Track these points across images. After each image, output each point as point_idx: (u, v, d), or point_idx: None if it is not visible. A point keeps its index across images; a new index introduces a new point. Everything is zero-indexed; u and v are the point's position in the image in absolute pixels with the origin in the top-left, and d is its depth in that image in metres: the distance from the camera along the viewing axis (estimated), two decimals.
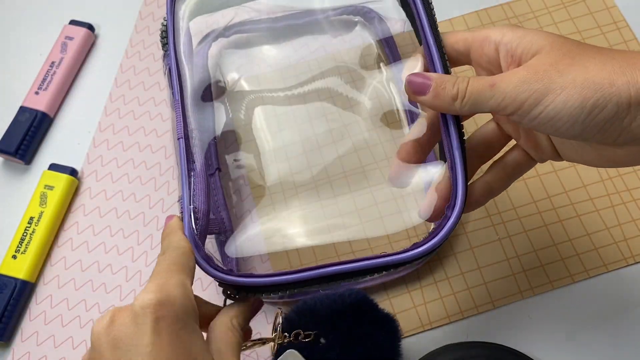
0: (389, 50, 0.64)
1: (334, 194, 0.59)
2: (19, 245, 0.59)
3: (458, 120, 0.43)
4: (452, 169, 0.43)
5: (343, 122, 0.62)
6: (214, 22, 0.64)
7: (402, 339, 0.52)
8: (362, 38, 0.65)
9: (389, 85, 0.63)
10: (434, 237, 0.42)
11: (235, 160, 0.61)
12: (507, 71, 0.41)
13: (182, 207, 0.45)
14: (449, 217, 0.42)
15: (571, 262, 0.57)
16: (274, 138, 0.61)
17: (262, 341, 0.47)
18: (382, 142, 0.59)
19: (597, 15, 0.67)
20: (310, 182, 0.59)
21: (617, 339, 0.54)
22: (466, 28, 0.67)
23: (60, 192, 0.61)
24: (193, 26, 0.58)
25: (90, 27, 0.70)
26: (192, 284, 0.40)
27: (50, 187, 0.61)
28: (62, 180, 0.61)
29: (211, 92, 0.63)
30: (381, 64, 0.64)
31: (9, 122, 0.65)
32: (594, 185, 0.59)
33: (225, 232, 0.57)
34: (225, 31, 0.65)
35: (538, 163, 0.46)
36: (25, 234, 0.59)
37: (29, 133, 0.64)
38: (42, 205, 0.60)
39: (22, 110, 0.65)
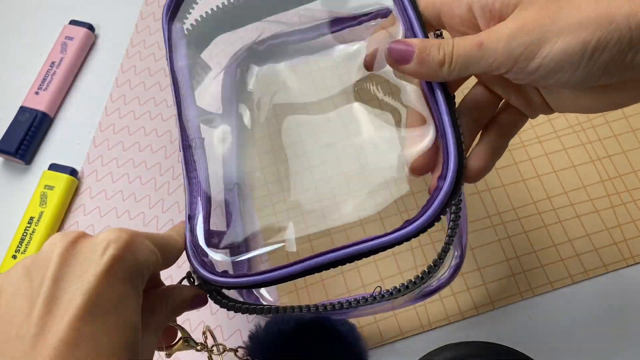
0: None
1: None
2: (19, 245, 0.59)
3: (444, 84, 0.41)
4: (443, 137, 0.40)
5: (375, 129, 0.58)
6: (243, 38, 0.63)
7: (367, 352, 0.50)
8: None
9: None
10: (425, 212, 0.39)
11: (256, 172, 0.60)
12: (488, 28, 0.38)
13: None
14: (441, 188, 0.38)
15: (571, 262, 0.56)
16: (304, 150, 0.60)
17: (187, 343, 0.45)
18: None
19: None
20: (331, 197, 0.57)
21: (617, 339, 0.54)
22: None
23: (60, 192, 0.61)
24: (220, 42, 0.59)
25: (90, 27, 0.70)
26: (162, 265, 0.39)
27: (50, 187, 0.61)
28: (62, 180, 0.61)
29: (237, 106, 0.62)
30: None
31: (9, 122, 0.64)
32: (593, 185, 0.59)
33: (239, 246, 0.56)
34: (258, 45, 0.63)
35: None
36: (25, 234, 0.59)
37: (29, 133, 0.64)
38: (42, 205, 0.60)
39: (22, 110, 0.65)
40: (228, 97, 0.62)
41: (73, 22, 0.70)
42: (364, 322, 0.55)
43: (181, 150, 0.48)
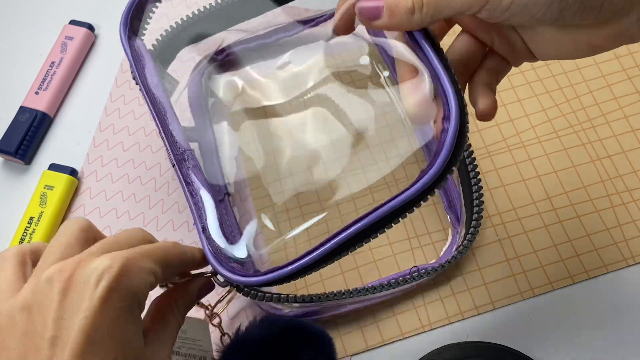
0: (384, 53, 0.62)
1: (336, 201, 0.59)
2: None
3: (426, 32, 0.40)
4: (437, 80, 0.39)
5: (345, 125, 0.61)
6: (205, 49, 0.63)
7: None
8: (354, 40, 0.64)
9: (388, 86, 0.62)
10: (437, 157, 0.37)
11: (240, 179, 0.60)
12: None
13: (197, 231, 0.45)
14: (447, 129, 0.37)
15: (571, 263, 0.56)
16: (276, 152, 0.60)
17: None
18: (382, 143, 0.58)
19: None
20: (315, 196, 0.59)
21: (617, 339, 0.53)
22: None
23: (60, 192, 0.60)
24: (184, 55, 0.58)
25: (90, 27, 0.69)
26: (163, 279, 0.39)
27: (50, 187, 0.60)
28: (62, 180, 0.60)
29: (209, 116, 0.62)
30: (378, 65, 0.62)
31: (9, 122, 0.64)
32: (594, 186, 0.58)
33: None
34: (217, 55, 0.64)
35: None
36: (25, 234, 0.59)
37: (29, 133, 0.63)
38: (42, 205, 0.59)
39: (22, 110, 0.64)
40: (197, 110, 0.62)
41: (73, 22, 0.69)
42: (364, 323, 0.54)
43: (175, 164, 0.47)
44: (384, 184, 0.56)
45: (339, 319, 0.54)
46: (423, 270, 0.51)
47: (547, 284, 0.55)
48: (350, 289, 0.49)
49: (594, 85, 0.63)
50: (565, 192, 0.58)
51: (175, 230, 0.59)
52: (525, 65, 0.62)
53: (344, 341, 0.54)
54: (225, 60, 0.64)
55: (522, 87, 0.63)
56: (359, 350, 0.53)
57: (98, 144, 0.64)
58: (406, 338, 0.54)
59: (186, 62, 0.64)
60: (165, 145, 0.49)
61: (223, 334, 0.48)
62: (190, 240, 0.59)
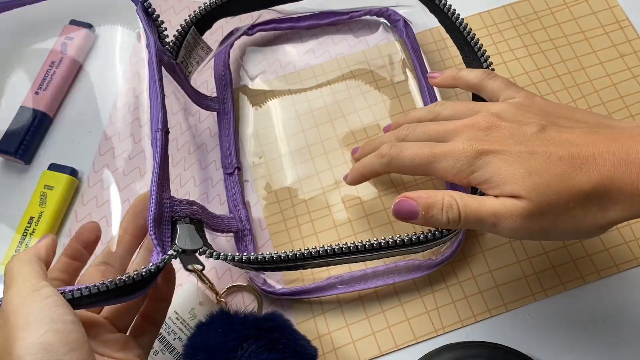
0: (414, 54, 0.62)
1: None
2: (19, 245, 0.57)
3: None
4: None
5: (362, 123, 0.61)
6: (238, 21, 0.64)
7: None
8: (386, 40, 0.65)
9: (411, 89, 0.62)
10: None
11: (254, 160, 0.59)
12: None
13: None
14: None
15: (582, 263, 0.54)
16: (293, 138, 0.60)
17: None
18: None
19: (600, 15, 0.65)
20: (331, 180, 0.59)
21: (626, 339, 0.51)
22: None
23: (60, 192, 0.58)
24: (216, 25, 0.59)
25: (90, 27, 0.67)
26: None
27: (50, 187, 0.58)
28: (62, 180, 0.59)
29: (231, 88, 0.62)
30: (405, 68, 0.63)
31: (9, 122, 0.62)
32: None
33: (243, 229, 0.55)
34: (249, 30, 0.64)
35: None
36: (25, 234, 0.57)
37: (29, 133, 0.61)
38: (42, 205, 0.58)
39: (22, 110, 0.62)
40: (220, 80, 0.63)
41: (73, 22, 0.67)
42: (376, 328, 0.52)
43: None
44: None
45: (351, 325, 0.52)
46: (398, 238, 0.46)
47: (559, 285, 0.53)
48: (312, 251, 0.46)
49: (599, 85, 0.61)
50: None
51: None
52: (530, 66, 0.62)
53: (357, 346, 0.52)
54: (255, 35, 0.65)
55: (529, 88, 0.61)
56: (373, 356, 0.51)
57: (104, 152, 0.61)
58: (419, 342, 0.52)
59: (214, 34, 0.63)
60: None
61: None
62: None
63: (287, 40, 0.65)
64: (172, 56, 0.56)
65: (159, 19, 0.54)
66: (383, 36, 0.64)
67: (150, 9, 0.53)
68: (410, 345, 0.51)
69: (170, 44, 0.55)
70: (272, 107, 0.62)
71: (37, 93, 0.63)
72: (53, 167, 0.60)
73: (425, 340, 0.52)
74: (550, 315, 0.52)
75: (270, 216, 0.56)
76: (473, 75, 0.50)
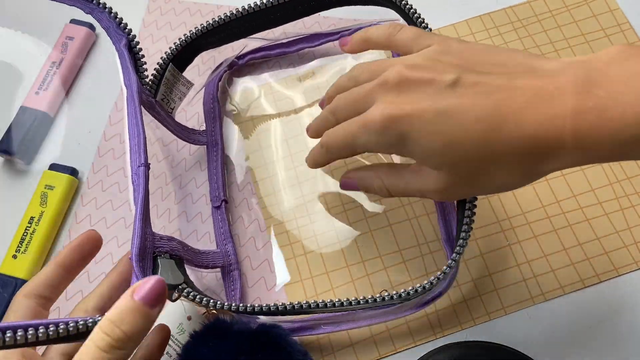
0: None
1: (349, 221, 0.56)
2: (19, 245, 0.56)
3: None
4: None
5: None
6: (225, 53, 0.62)
7: None
8: (380, 57, 0.62)
9: None
10: None
11: (245, 186, 0.58)
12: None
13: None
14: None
15: (581, 266, 0.53)
16: (287, 163, 0.58)
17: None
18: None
19: (601, 18, 0.63)
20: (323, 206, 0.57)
21: (626, 342, 0.50)
22: (470, 33, 0.63)
23: (61, 192, 0.58)
24: (203, 57, 0.58)
25: (91, 27, 0.66)
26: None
27: (51, 187, 0.58)
28: (62, 180, 0.58)
29: (221, 120, 0.60)
30: None
31: (9, 122, 0.61)
32: (602, 188, 0.55)
33: (230, 264, 0.53)
34: (239, 59, 0.62)
35: None
36: (25, 234, 0.56)
37: (29, 133, 0.60)
38: (43, 205, 0.57)
39: (23, 110, 0.61)
40: (209, 113, 0.60)
41: (74, 22, 0.66)
42: (375, 331, 0.51)
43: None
44: None
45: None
46: (395, 293, 0.44)
47: (558, 288, 0.52)
48: (295, 305, 0.44)
49: None
50: (574, 195, 0.55)
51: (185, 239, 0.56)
52: None
53: (356, 349, 0.51)
54: (245, 65, 0.63)
55: None
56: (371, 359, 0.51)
57: (103, 153, 0.60)
58: (418, 345, 0.51)
59: (206, 64, 0.62)
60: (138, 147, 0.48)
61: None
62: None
63: (278, 66, 0.63)
64: (151, 94, 0.54)
65: (140, 53, 0.52)
66: (376, 54, 0.62)
67: (134, 45, 0.52)
68: (409, 348, 0.51)
69: (149, 82, 0.54)
70: (261, 134, 0.59)
71: (37, 93, 0.62)
72: (54, 167, 0.59)
73: (424, 343, 0.51)
74: (549, 318, 0.51)
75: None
76: (380, 32, 0.45)
